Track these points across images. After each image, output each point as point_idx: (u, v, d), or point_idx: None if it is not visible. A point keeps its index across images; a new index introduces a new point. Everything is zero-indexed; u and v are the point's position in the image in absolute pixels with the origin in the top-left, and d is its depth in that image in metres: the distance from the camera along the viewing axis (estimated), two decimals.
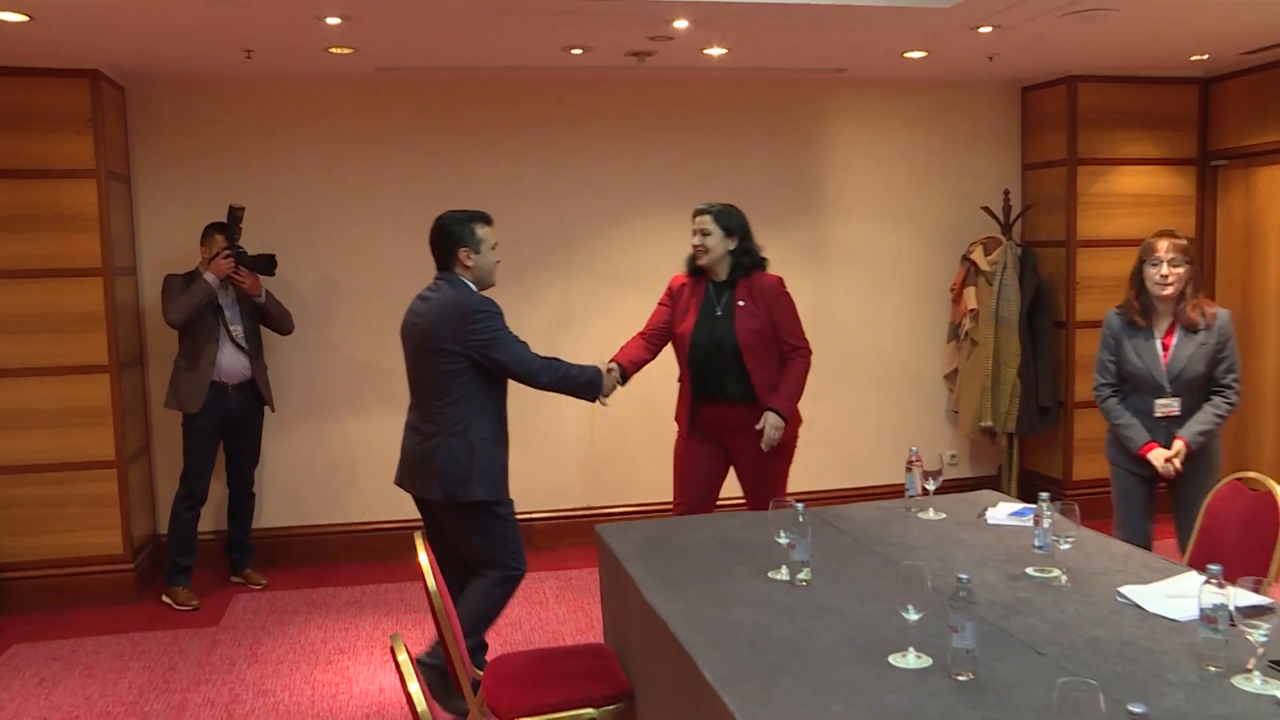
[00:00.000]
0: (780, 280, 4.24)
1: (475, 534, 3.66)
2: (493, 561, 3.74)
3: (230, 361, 5.25)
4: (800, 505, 2.95)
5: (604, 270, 6.04)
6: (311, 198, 5.86)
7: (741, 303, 4.12)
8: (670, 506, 4.83)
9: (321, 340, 5.88)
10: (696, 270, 4.23)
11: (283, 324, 5.40)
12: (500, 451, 3.65)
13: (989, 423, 6.27)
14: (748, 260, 4.16)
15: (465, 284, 3.60)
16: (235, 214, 5.09)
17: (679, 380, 4.29)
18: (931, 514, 3.54)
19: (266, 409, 5.54)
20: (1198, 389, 3.99)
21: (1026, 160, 6.70)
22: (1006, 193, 6.53)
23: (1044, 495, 3.04)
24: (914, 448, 3.55)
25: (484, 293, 3.67)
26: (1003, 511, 3.52)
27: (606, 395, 3.88)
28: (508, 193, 5.82)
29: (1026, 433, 6.37)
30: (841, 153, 6.32)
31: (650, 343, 4.34)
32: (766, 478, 4.24)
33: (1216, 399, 3.98)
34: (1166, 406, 3.97)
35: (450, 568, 3.83)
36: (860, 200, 6.44)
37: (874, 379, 6.63)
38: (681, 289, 4.30)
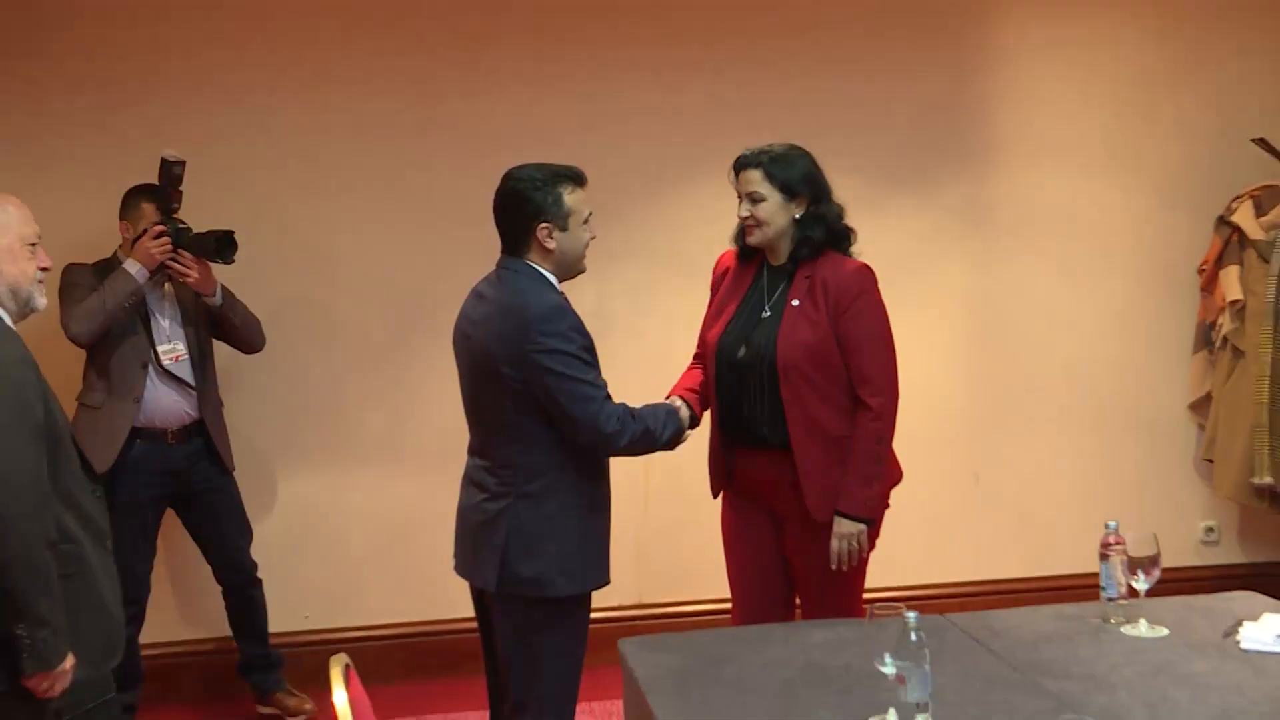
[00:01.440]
0: (866, 272, 3.17)
1: (526, 645, 2.88)
2: (538, 707, 2.92)
3: (164, 397, 4.01)
4: (912, 615, 2.20)
5: (655, 255, 4.58)
6: (277, 155, 4.50)
7: (796, 301, 3.15)
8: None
9: (299, 361, 4.61)
10: (748, 250, 3.25)
11: (249, 335, 4.18)
12: (596, 524, 2.92)
13: (1267, 479, 4.57)
14: (818, 233, 3.16)
15: (540, 275, 2.86)
16: (171, 170, 3.88)
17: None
18: (1144, 628, 2.76)
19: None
20: None
21: None
22: None
23: None
24: (1112, 522, 2.75)
25: (563, 286, 2.93)
26: (1269, 629, 2.68)
27: (683, 439, 3.10)
28: (517, 145, 4.16)
29: None
30: (1015, 70, 4.77)
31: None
32: (827, 574, 3.16)
33: None
34: None
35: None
36: (1046, 140, 4.83)
37: (1067, 411, 4.92)
38: (724, 275, 3.35)
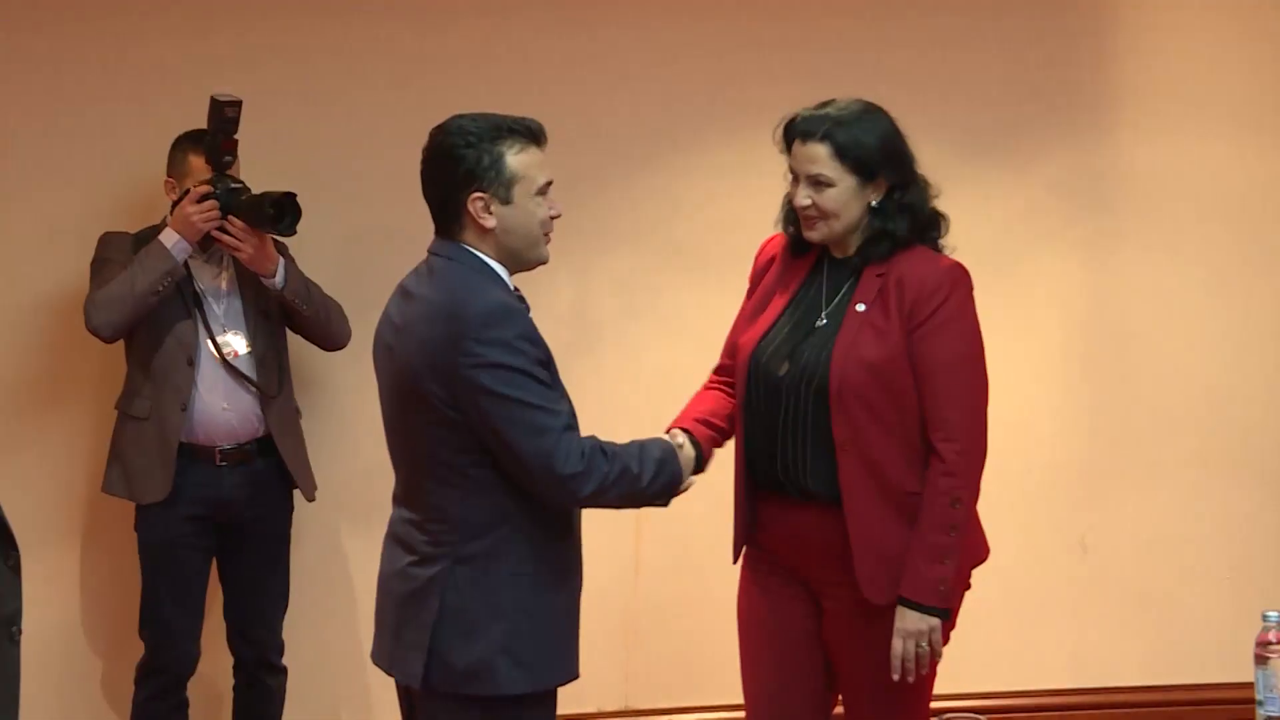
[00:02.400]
0: (959, 273, 2.94)
1: None
2: None
3: (218, 404, 3.92)
4: None
5: (657, 243, 4.42)
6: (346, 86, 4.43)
7: (862, 305, 2.93)
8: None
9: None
10: (801, 242, 3.02)
11: (325, 327, 4.04)
12: (560, 598, 2.74)
13: None
14: (900, 226, 2.91)
15: (482, 264, 2.67)
16: (223, 112, 3.81)
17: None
18: None
19: (298, 497, 4.19)
20: None
21: None
22: None
23: None
24: (1272, 613, 2.57)
25: (516, 281, 2.76)
26: None
27: (683, 488, 2.89)
28: (465, 95, 3.83)
29: None
30: (1149, 6, 4.49)
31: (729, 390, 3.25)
32: (881, 677, 2.89)
33: None
34: None
35: None
36: (1187, 92, 4.48)
37: (1208, 459, 4.56)
38: (769, 265, 3.14)
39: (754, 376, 3.00)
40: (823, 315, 3.00)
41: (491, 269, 2.65)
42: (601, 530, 3.99)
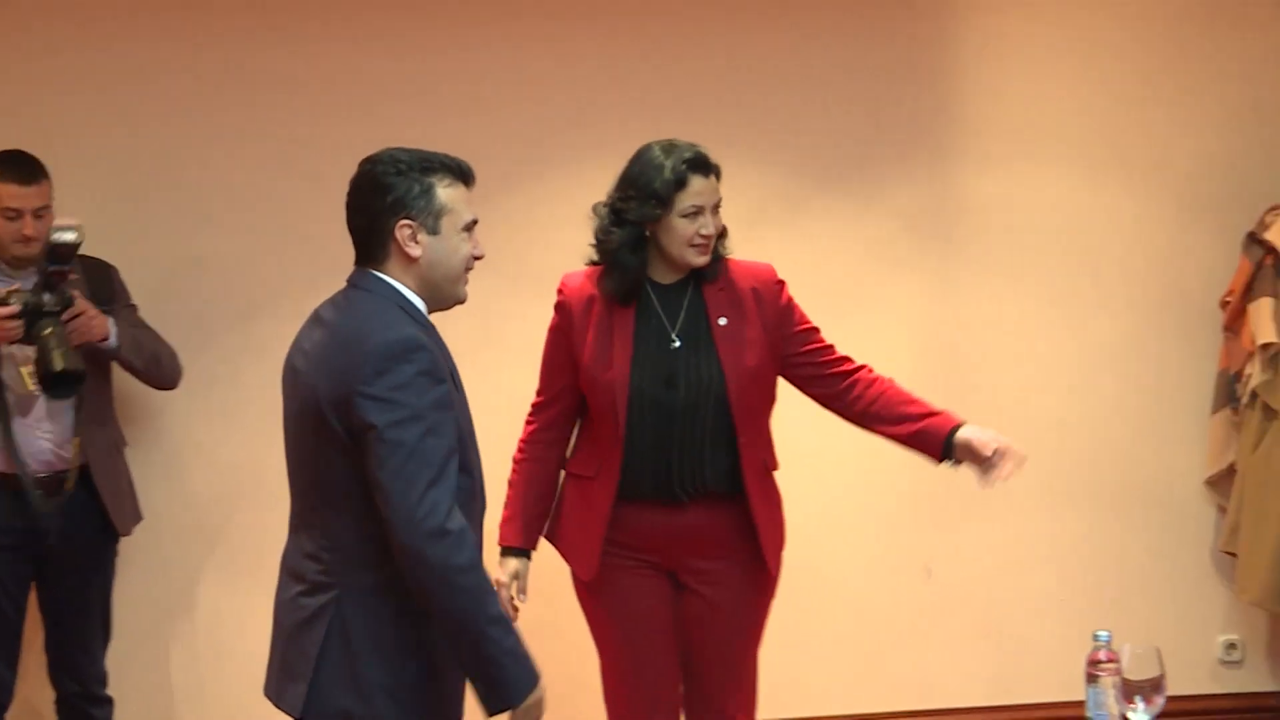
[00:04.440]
0: (773, 268, 3.38)
1: None
2: None
3: (34, 433, 3.88)
4: None
5: (514, 269, 4.31)
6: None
7: (723, 320, 3.24)
8: None
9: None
10: (624, 291, 3.23)
11: (161, 374, 4.05)
12: (446, 642, 2.67)
13: None
14: (722, 245, 3.32)
15: (399, 295, 2.64)
16: (59, 251, 3.62)
17: (569, 472, 3.37)
18: None
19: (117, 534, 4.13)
20: None
21: None
22: None
23: None
24: (1103, 634, 2.67)
25: (433, 318, 2.74)
26: None
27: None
28: (300, 113, 4.37)
29: None
30: (991, 38, 4.62)
31: (561, 443, 3.41)
32: (741, 629, 3.31)
33: None
34: None
35: None
36: (1030, 130, 4.62)
37: (1049, 486, 4.60)
38: (589, 303, 3.29)
39: (637, 404, 3.16)
40: (673, 337, 3.18)
41: (408, 301, 2.64)
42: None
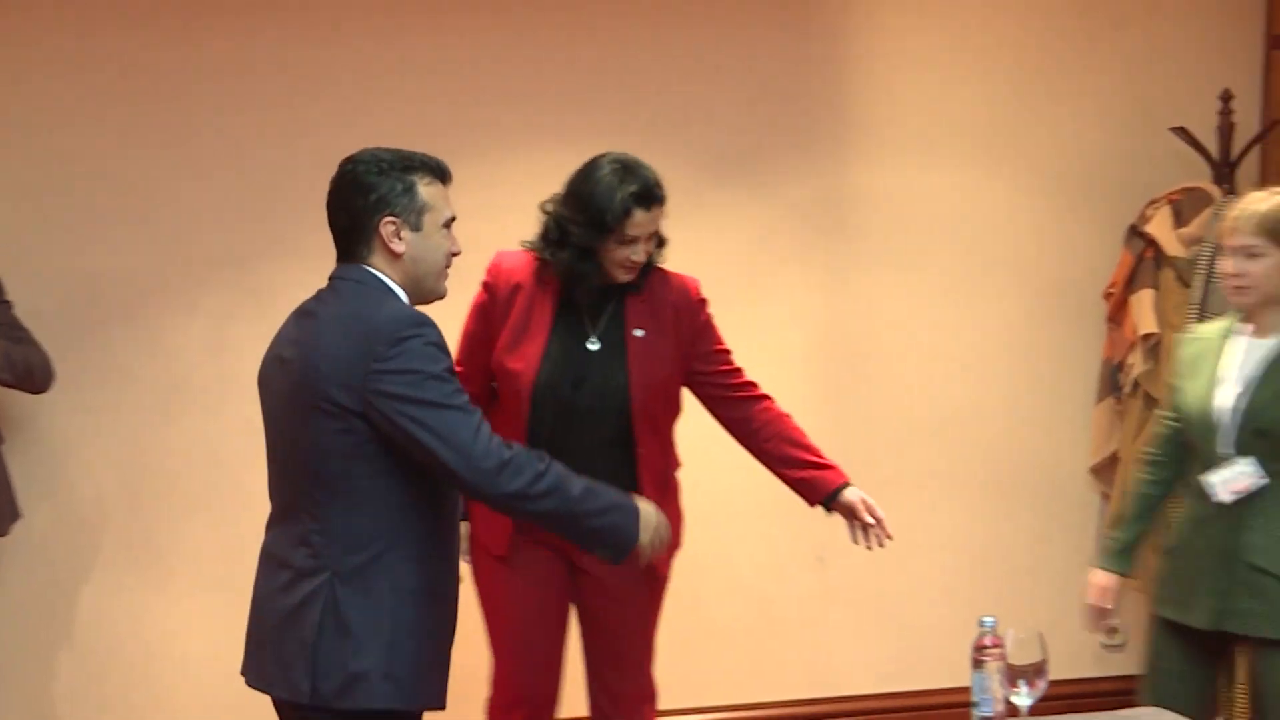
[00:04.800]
0: (698, 284, 3.41)
1: None
2: None
3: None
4: None
5: None
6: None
7: (639, 332, 3.27)
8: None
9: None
10: (584, 281, 3.25)
11: (33, 382, 3.91)
12: (434, 614, 2.73)
13: None
14: (657, 254, 3.35)
15: (385, 286, 2.72)
16: None
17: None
18: None
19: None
20: None
21: (1275, 30, 4.77)
22: (1226, 98, 4.57)
23: None
24: (988, 619, 2.67)
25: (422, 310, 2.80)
26: None
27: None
28: (230, 106, 4.25)
29: None
30: (880, 33, 4.66)
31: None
32: (635, 623, 3.39)
33: None
34: None
35: None
36: (919, 123, 4.67)
37: (937, 474, 4.72)
38: (514, 289, 3.31)
39: (540, 400, 3.18)
40: (592, 339, 3.22)
41: (393, 291, 2.70)
42: None
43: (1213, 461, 3.15)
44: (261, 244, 4.29)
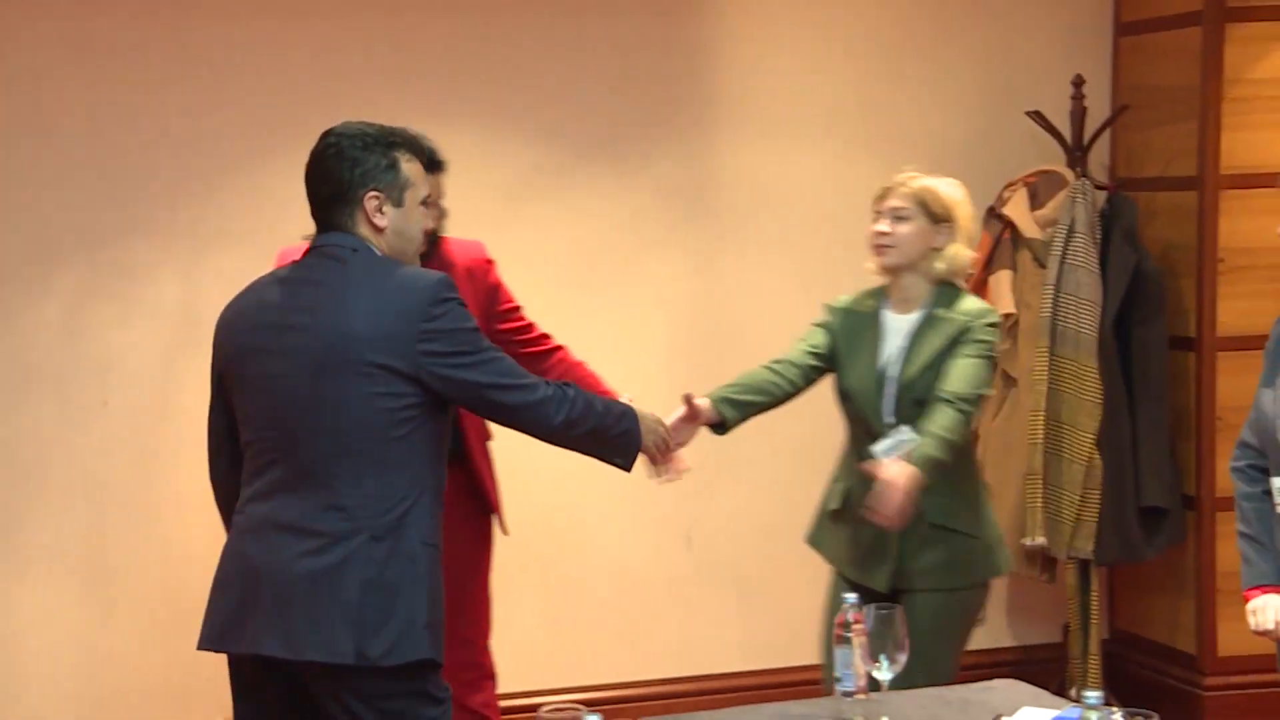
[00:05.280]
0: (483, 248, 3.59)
1: None
2: None
3: None
4: (594, 718, 2.33)
5: (265, 242, 4.01)
6: None
7: None
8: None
9: None
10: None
11: None
12: (438, 564, 2.81)
13: (1040, 539, 4.51)
14: (436, 224, 3.50)
15: (379, 254, 2.80)
16: None
17: None
18: None
19: None
20: None
21: (1124, 17, 4.89)
22: (1078, 83, 4.63)
23: (1090, 695, 2.33)
24: (850, 595, 2.74)
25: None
26: None
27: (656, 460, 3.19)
28: (84, 90, 4.16)
29: (1118, 561, 4.74)
30: (744, 13, 4.69)
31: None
32: (467, 562, 3.55)
33: None
34: None
35: None
36: (783, 105, 4.70)
37: (804, 454, 4.54)
38: None
39: None
40: None
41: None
42: (210, 536, 3.64)
43: (878, 432, 3.29)
44: (116, 223, 4.20)
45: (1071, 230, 4.33)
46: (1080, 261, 4.32)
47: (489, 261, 3.53)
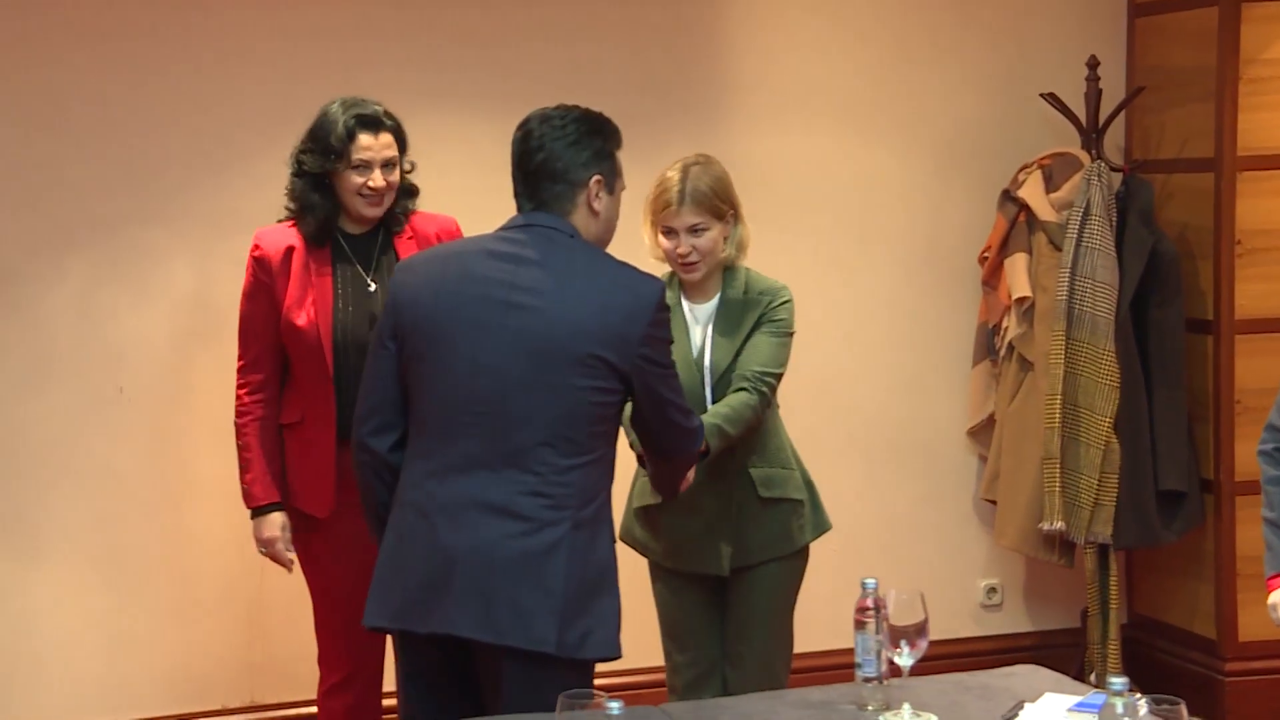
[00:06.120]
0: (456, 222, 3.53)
1: None
2: None
3: None
4: (615, 705, 2.22)
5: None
6: None
7: None
8: None
9: None
10: (321, 227, 3.35)
11: None
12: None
13: (1058, 523, 4.45)
14: (410, 198, 3.44)
15: (590, 244, 2.81)
16: None
17: (281, 425, 3.44)
18: (907, 715, 2.76)
19: None
20: None
21: None
22: (1093, 65, 4.58)
23: (1115, 681, 2.31)
24: (870, 581, 2.69)
25: None
26: (1052, 712, 2.74)
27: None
28: (90, 72, 4.12)
29: (1137, 545, 4.68)
30: (759, 6, 4.65)
31: (272, 398, 3.41)
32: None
33: None
34: None
35: None
36: (792, 87, 4.66)
37: (813, 437, 4.33)
38: (286, 254, 3.38)
39: (342, 346, 3.26)
40: (369, 280, 3.31)
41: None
42: (225, 522, 4.05)
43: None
44: (130, 210, 4.18)
45: (1087, 213, 4.30)
46: (1096, 244, 4.29)
47: (460, 233, 3.52)
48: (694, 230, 3.26)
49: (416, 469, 2.74)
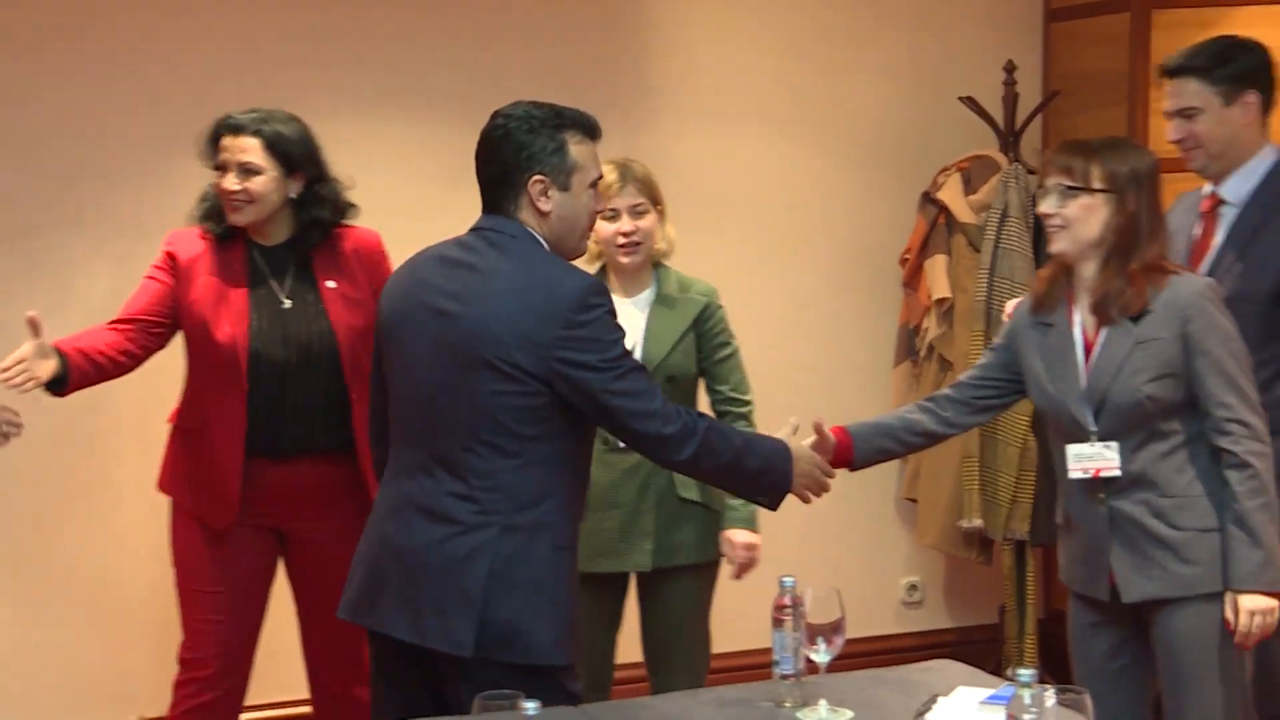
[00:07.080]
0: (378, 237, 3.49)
1: None
2: None
3: None
4: (531, 705, 2.21)
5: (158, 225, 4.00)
6: None
7: (331, 283, 3.38)
8: None
9: None
10: (226, 229, 3.35)
11: None
12: (573, 570, 2.79)
13: (977, 521, 4.46)
14: (328, 213, 3.36)
15: (539, 243, 2.72)
16: None
17: (177, 426, 3.47)
18: (824, 712, 2.75)
19: None
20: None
21: (1054, 3, 4.92)
22: (1010, 69, 4.64)
23: (1023, 673, 2.30)
24: (787, 579, 2.68)
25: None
26: (964, 706, 2.73)
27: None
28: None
29: (1054, 542, 4.35)
30: (683, 7, 4.66)
31: (129, 337, 3.34)
32: (333, 577, 3.08)
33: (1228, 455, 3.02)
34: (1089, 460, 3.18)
35: None
36: (711, 90, 4.68)
37: None
38: (194, 261, 3.39)
39: (255, 362, 3.25)
40: (283, 297, 3.30)
41: (547, 250, 2.71)
42: (146, 526, 3.97)
43: None
44: (47, 215, 4.12)
45: (1005, 215, 4.30)
46: (1014, 246, 4.29)
47: (382, 249, 3.49)
48: (635, 211, 3.28)
49: (387, 470, 2.81)
